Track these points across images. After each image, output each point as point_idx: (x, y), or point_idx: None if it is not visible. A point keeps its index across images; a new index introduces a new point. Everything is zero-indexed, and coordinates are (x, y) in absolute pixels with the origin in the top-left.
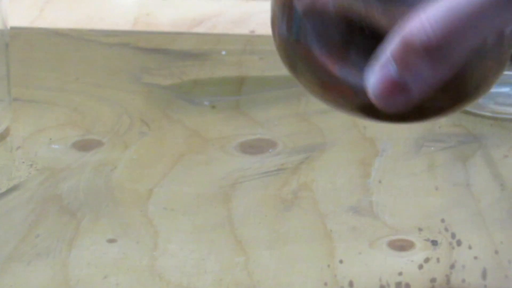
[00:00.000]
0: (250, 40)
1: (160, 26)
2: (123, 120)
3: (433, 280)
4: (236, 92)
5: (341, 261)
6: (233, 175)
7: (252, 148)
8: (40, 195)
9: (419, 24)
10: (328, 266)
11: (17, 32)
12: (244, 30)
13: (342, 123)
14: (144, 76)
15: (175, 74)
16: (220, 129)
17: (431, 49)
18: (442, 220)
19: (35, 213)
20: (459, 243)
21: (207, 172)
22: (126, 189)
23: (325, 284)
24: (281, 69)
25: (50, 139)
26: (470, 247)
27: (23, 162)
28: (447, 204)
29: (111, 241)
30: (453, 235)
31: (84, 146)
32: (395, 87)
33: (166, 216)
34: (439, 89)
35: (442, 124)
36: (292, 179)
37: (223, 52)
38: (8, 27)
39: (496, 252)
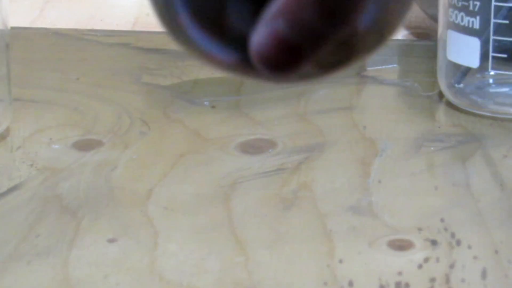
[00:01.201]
0: None
1: (160, 26)
2: (123, 120)
3: (432, 279)
4: (236, 92)
5: (340, 261)
6: (233, 175)
7: (252, 148)
8: (40, 195)
9: None
10: (328, 265)
11: (17, 32)
12: None
13: (342, 123)
14: (144, 76)
15: (175, 74)
16: (220, 129)
17: None
18: (442, 220)
19: (35, 213)
20: (458, 243)
21: (207, 172)
22: (126, 189)
23: (325, 284)
24: None
25: (50, 139)
26: (469, 247)
27: (23, 162)
28: (446, 204)
29: (111, 241)
30: (452, 235)
31: (84, 146)
32: (284, 44)
33: (166, 216)
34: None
35: (441, 124)
36: (292, 179)
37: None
38: (9, 27)
39: (496, 252)
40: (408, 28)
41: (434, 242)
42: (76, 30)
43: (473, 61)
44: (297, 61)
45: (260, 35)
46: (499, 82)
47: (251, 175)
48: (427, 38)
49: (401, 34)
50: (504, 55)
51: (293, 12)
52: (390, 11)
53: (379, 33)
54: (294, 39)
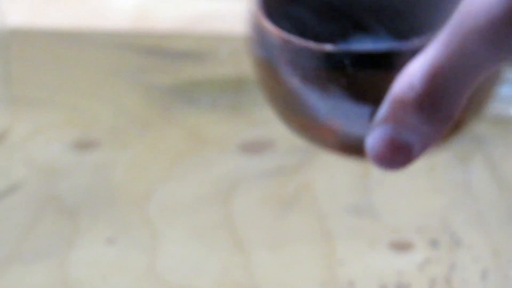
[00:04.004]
0: None
1: (160, 26)
2: (122, 120)
3: (433, 280)
4: (236, 92)
5: (341, 261)
6: (232, 175)
7: (252, 148)
8: (39, 196)
9: (406, 81)
10: (328, 266)
11: (17, 32)
12: (244, 29)
13: None
14: (144, 76)
15: (174, 74)
16: (220, 129)
17: (422, 103)
18: (442, 220)
19: (34, 214)
20: (458, 243)
21: (206, 172)
22: (125, 189)
23: (325, 284)
24: None
25: (49, 139)
26: (470, 247)
27: (22, 162)
28: (447, 204)
29: (110, 241)
30: (453, 235)
31: (83, 146)
32: (395, 146)
33: (165, 216)
34: None
35: None
36: (292, 179)
37: (223, 52)
38: (8, 27)
39: (496, 252)
40: None
41: (434, 243)
42: (76, 30)
43: None
44: (408, 159)
45: (373, 139)
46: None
47: (251, 175)
48: None
49: None
50: None
51: (397, 117)
52: (481, 99)
53: (476, 110)
54: (403, 141)
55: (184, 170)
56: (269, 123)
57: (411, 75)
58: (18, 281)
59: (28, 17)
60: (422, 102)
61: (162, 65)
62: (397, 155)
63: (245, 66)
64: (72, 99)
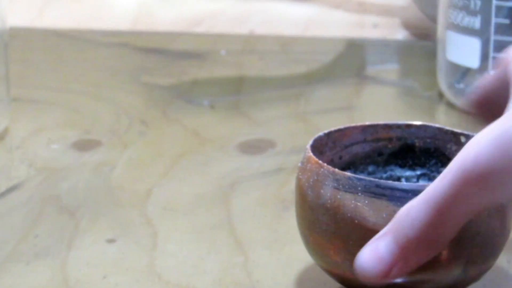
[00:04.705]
0: (249, 40)
1: (160, 26)
2: (122, 120)
3: None
4: (235, 92)
5: None
6: (232, 175)
7: (252, 148)
8: (39, 195)
9: (406, 218)
10: None
11: (17, 32)
12: (243, 30)
13: (341, 123)
14: (144, 76)
15: (175, 74)
16: (220, 129)
17: (420, 241)
18: None
19: (34, 213)
20: None
21: (206, 172)
22: (125, 189)
23: (325, 284)
24: (280, 69)
25: (49, 139)
26: None
27: (22, 162)
28: None
29: (110, 241)
30: None
31: (83, 146)
32: (381, 263)
33: (165, 216)
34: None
35: (441, 124)
36: (291, 179)
37: (223, 52)
38: (7, 27)
39: None
40: (408, 28)
41: None
42: (75, 30)
43: (473, 62)
44: (387, 275)
45: (365, 248)
46: None
47: (251, 175)
48: (426, 38)
49: (401, 34)
50: None
51: (396, 237)
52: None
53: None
54: (388, 258)
55: (184, 170)
56: (269, 123)
57: (410, 212)
58: (18, 280)
59: (28, 17)
60: (419, 240)
61: (162, 65)
62: (378, 268)
63: (245, 66)
64: (72, 99)
